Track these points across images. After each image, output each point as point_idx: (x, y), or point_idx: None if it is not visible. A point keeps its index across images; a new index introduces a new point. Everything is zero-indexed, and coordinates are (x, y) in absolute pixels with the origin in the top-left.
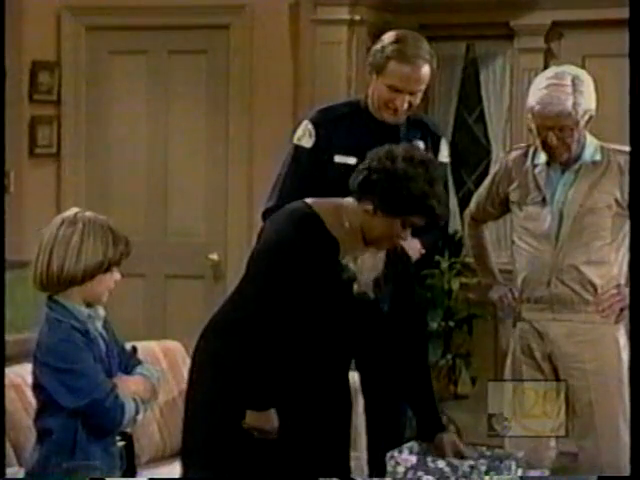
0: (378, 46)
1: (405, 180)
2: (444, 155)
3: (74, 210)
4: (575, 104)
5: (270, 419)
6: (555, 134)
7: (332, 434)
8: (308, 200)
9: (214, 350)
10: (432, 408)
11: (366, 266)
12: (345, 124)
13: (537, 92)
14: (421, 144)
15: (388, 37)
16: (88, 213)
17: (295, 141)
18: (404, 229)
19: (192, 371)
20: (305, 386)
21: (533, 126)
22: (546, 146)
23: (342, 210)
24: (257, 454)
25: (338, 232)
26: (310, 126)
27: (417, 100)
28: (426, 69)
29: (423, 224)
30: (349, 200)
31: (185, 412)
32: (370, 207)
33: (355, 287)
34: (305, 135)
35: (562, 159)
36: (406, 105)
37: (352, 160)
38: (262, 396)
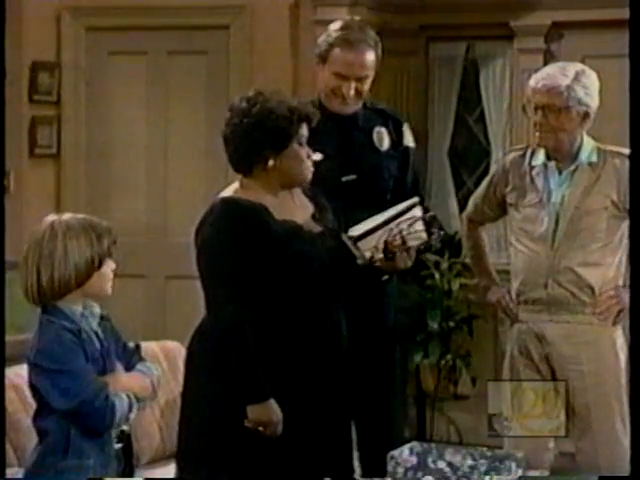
0: (323, 35)
1: (266, 110)
2: (409, 140)
3: (51, 218)
4: (569, 88)
5: (272, 410)
6: (544, 114)
7: (333, 426)
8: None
9: (205, 353)
10: None
11: (299, 211)
12: None
13: (540, 73)
14: (384, 131)
15: (333, 26)
16: (65, 217)
17: None
18: (302, 147)
19: (186, 374)
20: (301, 369)
21: (527, 106)
22: (534, 129)
23: (252, 181)
24: (254, 454)
25: (260, 199)
26: None
27: (365, 87)
28: (370, 55)
29: (307, 134)
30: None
31: (180, 415)
32: (269, 161)
33: (304, 228)
34: None
35: (548, 144)
36: (352, 92)
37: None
38: (259, 387)
